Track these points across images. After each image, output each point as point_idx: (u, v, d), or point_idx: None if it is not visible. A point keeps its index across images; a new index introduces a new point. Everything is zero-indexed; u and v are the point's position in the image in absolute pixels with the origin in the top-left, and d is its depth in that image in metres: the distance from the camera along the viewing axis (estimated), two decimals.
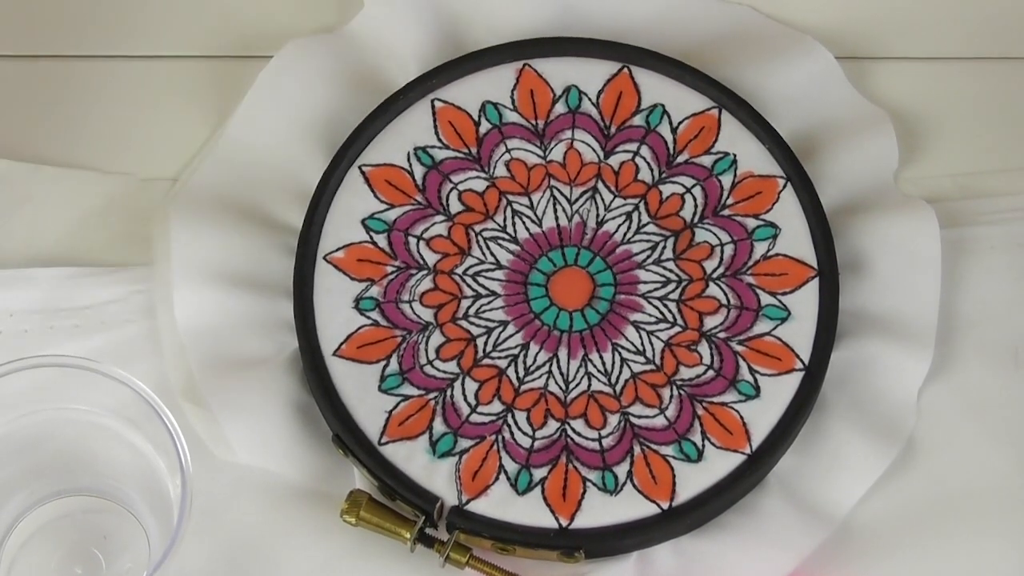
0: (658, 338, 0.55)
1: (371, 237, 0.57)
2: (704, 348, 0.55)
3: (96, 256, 0.59)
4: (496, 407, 0.55)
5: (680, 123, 0.59)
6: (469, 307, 0.56)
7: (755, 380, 0.54)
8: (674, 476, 0.54)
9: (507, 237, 0.57)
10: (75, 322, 0.57)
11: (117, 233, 0.59)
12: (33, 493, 0.54)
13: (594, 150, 0.59)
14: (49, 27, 0.62)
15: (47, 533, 0.54)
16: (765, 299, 0.56)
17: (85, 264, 0.59)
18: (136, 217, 0.59)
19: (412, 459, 0.54)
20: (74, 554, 0.53)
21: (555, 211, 0.57)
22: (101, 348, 0.57)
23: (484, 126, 0.58)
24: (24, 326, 0.57)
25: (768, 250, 0.57)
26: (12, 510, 0.54)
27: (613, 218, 0.58)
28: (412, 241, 0.56)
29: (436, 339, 0.55)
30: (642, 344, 0.55)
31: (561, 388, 0.54)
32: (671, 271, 0.57)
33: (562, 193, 0.57)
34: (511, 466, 0.53)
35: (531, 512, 0.53)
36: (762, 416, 0.55)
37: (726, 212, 0.57)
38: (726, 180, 0.58)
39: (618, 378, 0.55)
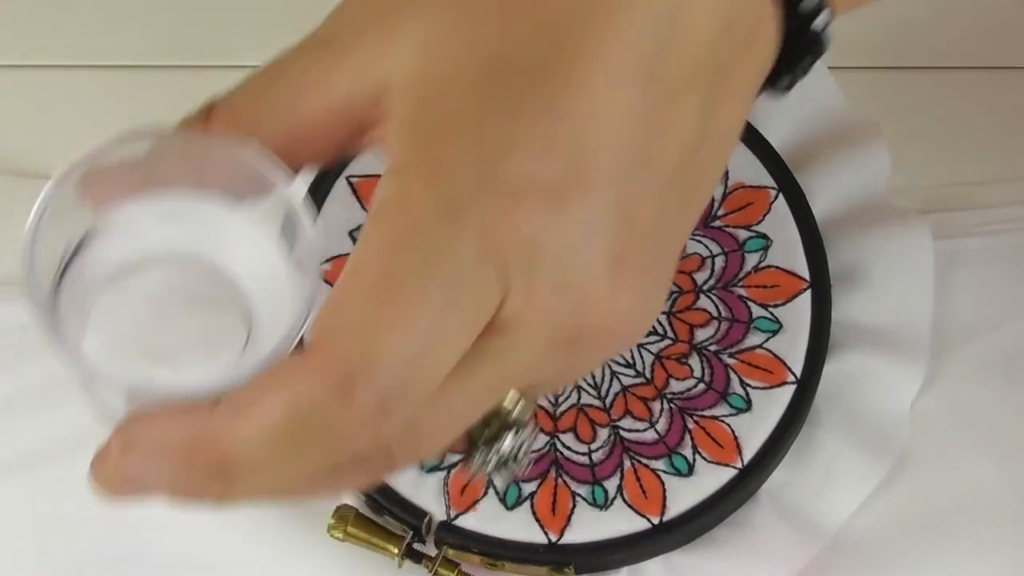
0: (648, 351, 0.55)
1: None
2: (695, 361, 0.55)
3: None
4: None
5: None
6: None
7: (746, 393, 0.54)
8: (664, 490, 0.53)
9: None
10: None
11: None
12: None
13: None
14: (23, 36, 0.61)
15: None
16: (756, 311, 0.56)
17: None
18: None
19: (400, 473, 0.53)
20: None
21: None
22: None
23: None
24: (6, 341, 0.57)
25: (759, 262, 0.56)
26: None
27: None
28: None
29: None
30: (632, 357, 0.55)
31: (550, 401, 0.54)
32: None
33: None
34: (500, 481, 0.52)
35: (520, 527, 0.53)
36: (753, 430, 0.54)
37: (717, 223, 0.57)
38: (717, 191, 0.57)
39: (608, 391, 0.54)
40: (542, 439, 0.53)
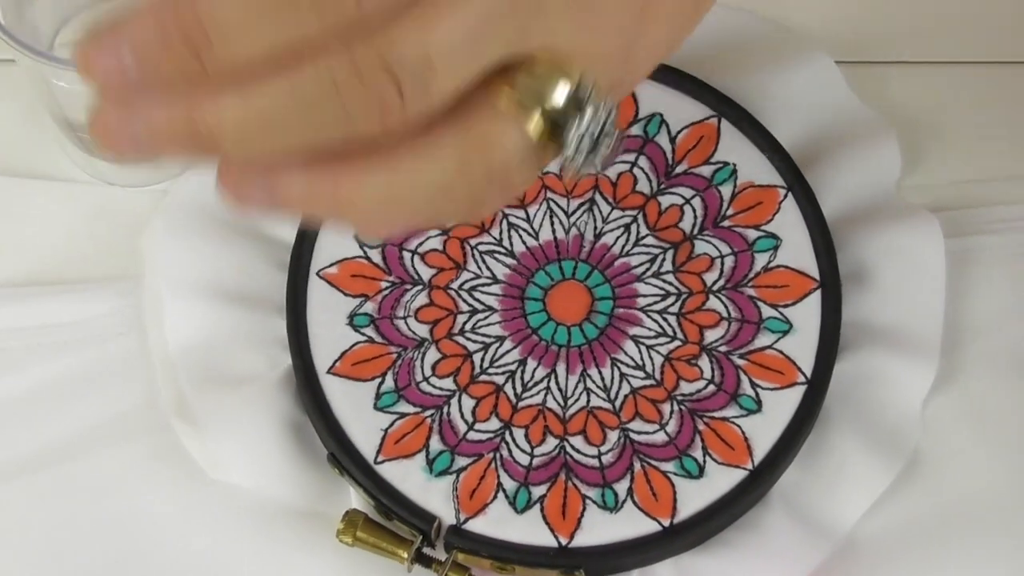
0: (658, 352, 0.55)
1: (365, 252, 0.57)
2: (705, 362, 0.55)
3: (83, 270, 0.59)
4: (494, 424, 0.54)
5: (678, 132, 0.59)
6: (465, 323, 0.56)
7: (757, 394, 0.54)
8: (675, 493, 0.53)
9: (503, 251, 0.57)
10: (62, 338, 0.57)
11: (104, 246, 0.59)
12: None
13: None
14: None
15: None
16: (766, 312, 0.56)
17: (71, 278, 0.59)
18: (124, 229, 0.59)
19: (408, 478, 0.53)
20: None
21: (552, 224, 0.57)
22: (89, 363, 0.57)
23: None
24: (8, 343, 0.57)
25: (769, 262, 0.57)
26: None
27: (611, 230, 0.57)
28: (407, 256, 0.56)
29: (432, 355, 0.55)
30: (641, 359, 0.55)
31: (559, 404, 0.54)
32: (670, 284, 0.56)
33: (559, 205, 0.57)
34: (509, 484, 0.53)
35: (530, 530, 0.53)
36: (764, 431, 0.54)
37: (726, 223, 0.57)
38: (726, 190, 0.58)
39: (617, 393, 0.54)
40: (552, 442, 0.53)
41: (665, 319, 0.56)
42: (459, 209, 0.40)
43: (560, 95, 0.40)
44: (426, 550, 0.53)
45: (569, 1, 0.40)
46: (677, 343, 0.55)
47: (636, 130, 0.58)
